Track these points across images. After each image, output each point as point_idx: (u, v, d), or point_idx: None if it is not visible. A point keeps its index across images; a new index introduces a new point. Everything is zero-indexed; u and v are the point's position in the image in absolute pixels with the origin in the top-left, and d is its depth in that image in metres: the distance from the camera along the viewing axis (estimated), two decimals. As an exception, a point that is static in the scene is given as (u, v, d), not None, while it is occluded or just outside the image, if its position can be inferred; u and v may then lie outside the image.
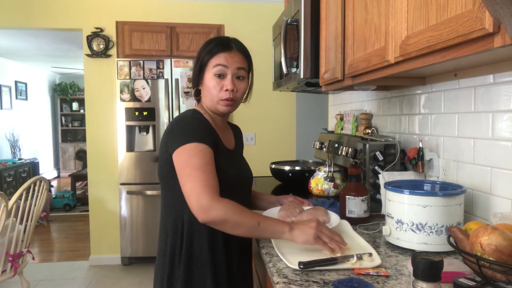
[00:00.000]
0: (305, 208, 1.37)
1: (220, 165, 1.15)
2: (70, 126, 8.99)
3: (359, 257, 1.02)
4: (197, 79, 1.26)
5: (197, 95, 1.29)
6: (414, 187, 1.27)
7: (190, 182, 1.06)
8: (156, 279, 1.24)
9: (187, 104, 3.53)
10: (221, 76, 1.20)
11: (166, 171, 1.18)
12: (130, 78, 3.45)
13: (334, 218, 1.30)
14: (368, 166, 1.58)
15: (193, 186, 1.05)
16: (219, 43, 1.22)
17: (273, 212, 1.37)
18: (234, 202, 1.07)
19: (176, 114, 3.51)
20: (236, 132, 1.43)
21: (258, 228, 1.06)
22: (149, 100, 3.49)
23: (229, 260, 1.21)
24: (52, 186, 6.54)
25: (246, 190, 1.35)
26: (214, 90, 1.20)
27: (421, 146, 1.44)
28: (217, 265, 1.18)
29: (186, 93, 3.53)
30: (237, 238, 1.19)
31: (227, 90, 1.19)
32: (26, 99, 7.71)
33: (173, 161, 1.13)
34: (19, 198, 2.29)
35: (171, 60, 3.49)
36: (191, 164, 1.08)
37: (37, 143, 8.10)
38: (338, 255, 1.04)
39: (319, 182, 1.88)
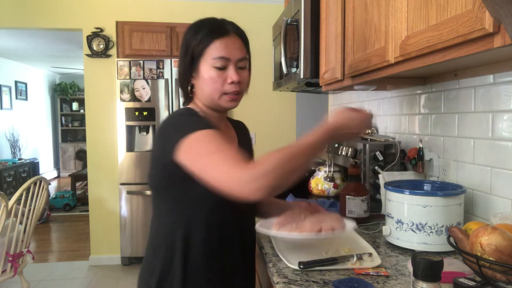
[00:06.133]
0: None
1: None
2: (70, 126, 8.99)
3: (359, 257, 1.02)
4: (189, 73, 1.06)
5: (190, 92, 1.10)
6: (414, 187, 1.27)
7: (212, 170, 0.87)
8: None
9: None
10: (221, 67, 1.02)
11: (163, 178, 1.02)
12: (130, 78, 3.45)
13: (349, 226, 1.13)
14: (368, 166, 1.58)
15: (217, 171, 0.86)
16: (213, 28, 1.04)
17: (268, 224, 1.14)
18: (264, 157, 0.85)
19: (176, 114, 3.51)
20: (239, 128, 1.25)
21: (307, 162, 0.91)
22: (149, 100, 3.49)
23: (227, 266, 1.05)
24: (49, 184, 6.52)
25: None
26: (215, 83, 1.02)
27: (421, 146, 1.44)
28: (215, 272, 1.03)
29: (186, 93, 3.52)
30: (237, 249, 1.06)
31: (232, 82, 1.03)
32: (26, 99, 7.71)
33: (176, 164, 0.94)
34: (19, 198, 2.29)
35: (171, 60, 3.48)
36: (203, 152, 0.89)
37: (37, 143, 8.09)
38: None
39: (319, 182, 1.88)
